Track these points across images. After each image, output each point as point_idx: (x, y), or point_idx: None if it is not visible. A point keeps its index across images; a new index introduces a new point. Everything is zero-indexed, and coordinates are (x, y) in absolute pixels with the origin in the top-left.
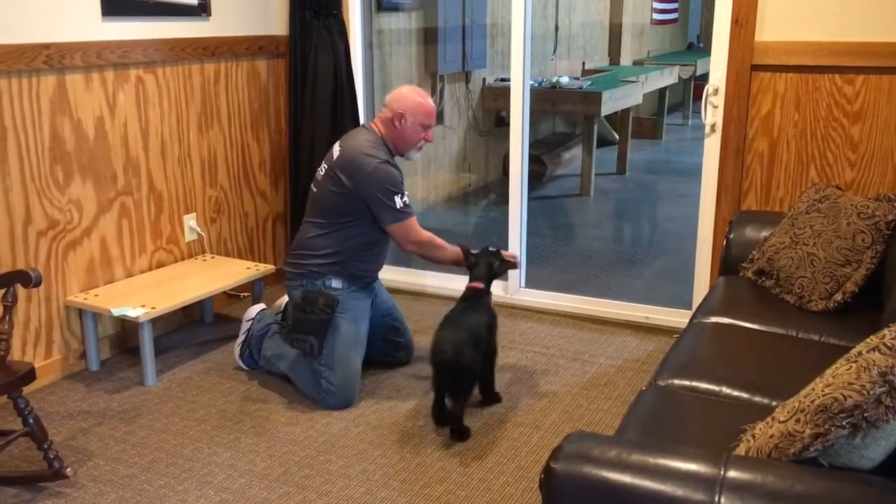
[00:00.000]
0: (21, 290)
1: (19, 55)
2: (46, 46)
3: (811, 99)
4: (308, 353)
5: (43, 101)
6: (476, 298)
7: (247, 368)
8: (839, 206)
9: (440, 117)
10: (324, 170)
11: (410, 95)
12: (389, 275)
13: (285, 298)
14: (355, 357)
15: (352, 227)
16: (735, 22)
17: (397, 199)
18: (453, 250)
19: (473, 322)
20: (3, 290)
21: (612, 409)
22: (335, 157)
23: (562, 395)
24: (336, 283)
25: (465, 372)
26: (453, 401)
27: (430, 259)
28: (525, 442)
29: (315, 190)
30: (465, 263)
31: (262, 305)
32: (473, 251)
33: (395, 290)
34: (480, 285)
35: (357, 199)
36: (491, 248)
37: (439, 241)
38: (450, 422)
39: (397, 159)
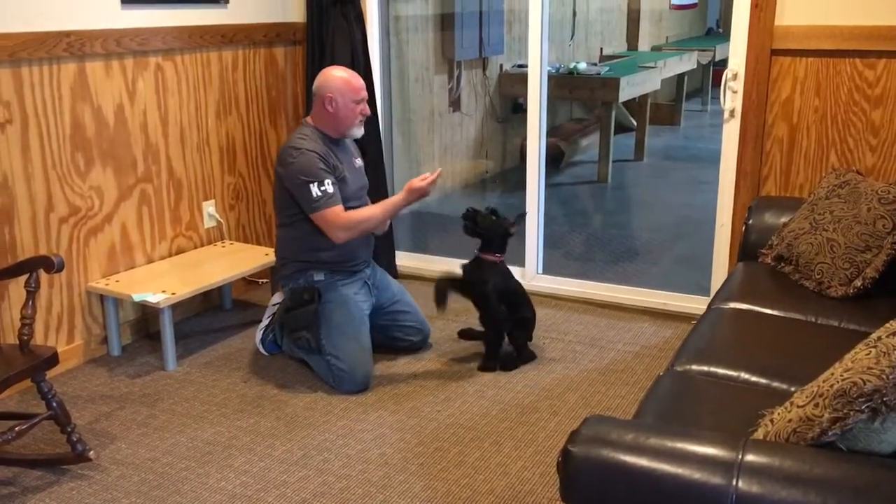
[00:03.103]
0: (43, 276)
1: (40, 43)
2: (67, 34)
3: (832, 83)
4: (307, 348)
5: (64, 88)
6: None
7: (266, 353)
8: (859, 191)
9: (457, 104)
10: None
11: (335, 76)
12: (402, 261)
13: None
14: (356, 341)
15: (303, 220)
16: (755, 6)
17: (313, 188)
18: (382, 208)
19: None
20: (26, 276)
21: (630, 395)
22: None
23: (579, 380)
24: (318, 276)
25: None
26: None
27: (369, 233)
28: (542, 427)
29: (274, 188)
30: (473, 232)
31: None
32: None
33: (410, 277)
34: (499, 258)
35: (289, 190)
36: (492, 214)
37: (366, 212)
38: (524, 348)
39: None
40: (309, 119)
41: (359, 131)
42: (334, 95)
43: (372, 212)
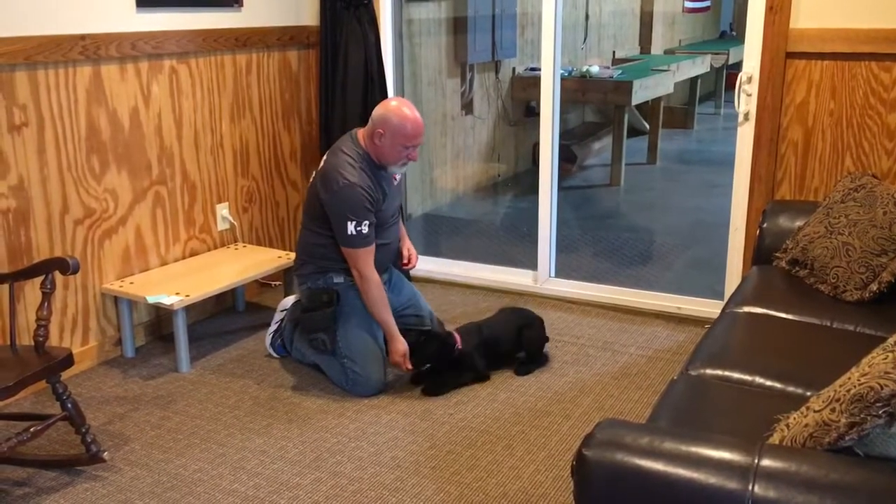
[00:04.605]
0: (59, 278)
1: (56, 46)
2: (82, 37)
3: (847, 87)
4: (322, 350)
5: (79, 91)
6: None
7: (277, 355)
8: (875, 195)
9: (470, 107)
10: (313, 175)
11: (394, 114)
12: (417, 264)
13: None
14: (373, 344)
15: (332, 236)
16: (770, 9)
17: (349, 226)
18: (384, 315)
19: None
20: (41, 278)
21: (643, 399)
22: (321, 165)
23: (592, 384)
24: (338, 279)
25: None
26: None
27: (365, 297)
28: (555, 431)
29: (307, 194)
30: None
31: (296, 297)
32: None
33: (423, 280)
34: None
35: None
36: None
37: (381, 292)
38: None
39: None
40: (360, 136)
41: (398, 170)
42: (385, 133)
43: (381, 302)
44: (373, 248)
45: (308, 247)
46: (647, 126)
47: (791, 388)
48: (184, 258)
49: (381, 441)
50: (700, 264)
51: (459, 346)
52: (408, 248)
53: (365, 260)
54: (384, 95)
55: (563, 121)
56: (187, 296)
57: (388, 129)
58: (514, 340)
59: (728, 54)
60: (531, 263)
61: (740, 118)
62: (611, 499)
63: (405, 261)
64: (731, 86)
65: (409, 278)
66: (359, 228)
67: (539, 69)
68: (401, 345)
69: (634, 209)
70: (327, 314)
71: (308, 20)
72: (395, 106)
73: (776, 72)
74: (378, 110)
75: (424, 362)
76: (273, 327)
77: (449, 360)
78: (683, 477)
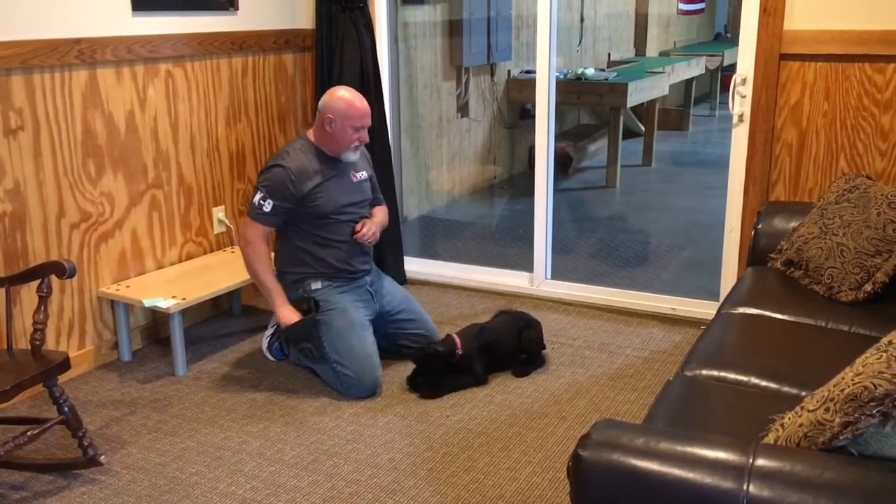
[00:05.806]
0: (55, 282)
1: (52, 50)
2: (78, 41)
3: (841, 88)
4: (311, 358)
5: (75, 95)
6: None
7: (274, 359)
8: (869, 195)
9: (465, 110)
10: None
11: (340, 99)
12: (410, 266)
13: None
14: (360, 347)
15: (293, 229)
16: (763, 10)
17: (258, 196)
18: (272, 282)
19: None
20: (37, 281)
21: (639, 401)
22: None
23: (588, 386)
24: (315, 285)
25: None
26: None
27: (248, 267)
28: (551, 433)
29: None
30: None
31: None
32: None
33: (419, 283)
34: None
35: None
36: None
37: (266, 261)
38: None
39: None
40: (310, 133)
41: (352, 156)
42: (334, 117)
43: (266, 273)
44: (266, 230)
45: (283, 256)
46: (643, 128)
47: (786, 389)
48: (180, 261)
49: (378, 443)
50: (695, 265)
51: (460, 351)
52: (364, 221)
53: (253, 233)
54: (379, 98)
55: (558, 123)
56: (183, 299)
57: (336, 114)
58: (516, 342)
59: (723, 56)
60: (527, 265)
61: (735, 119)
62: (607, 499)
63: (357, 227)
64: (726, 87)
65: (404, 281)
66: (262, 202)
67: (534, 71)
68: (290, 313)
69: (630, 211)
70: (308, 323)
71: (304, 23)
72: (339, 94)
73: (770, 73)
74: (323, 100)
75: (428, 378)
76: (270, 331)
77: (448, 365)
78: (679, 477)
